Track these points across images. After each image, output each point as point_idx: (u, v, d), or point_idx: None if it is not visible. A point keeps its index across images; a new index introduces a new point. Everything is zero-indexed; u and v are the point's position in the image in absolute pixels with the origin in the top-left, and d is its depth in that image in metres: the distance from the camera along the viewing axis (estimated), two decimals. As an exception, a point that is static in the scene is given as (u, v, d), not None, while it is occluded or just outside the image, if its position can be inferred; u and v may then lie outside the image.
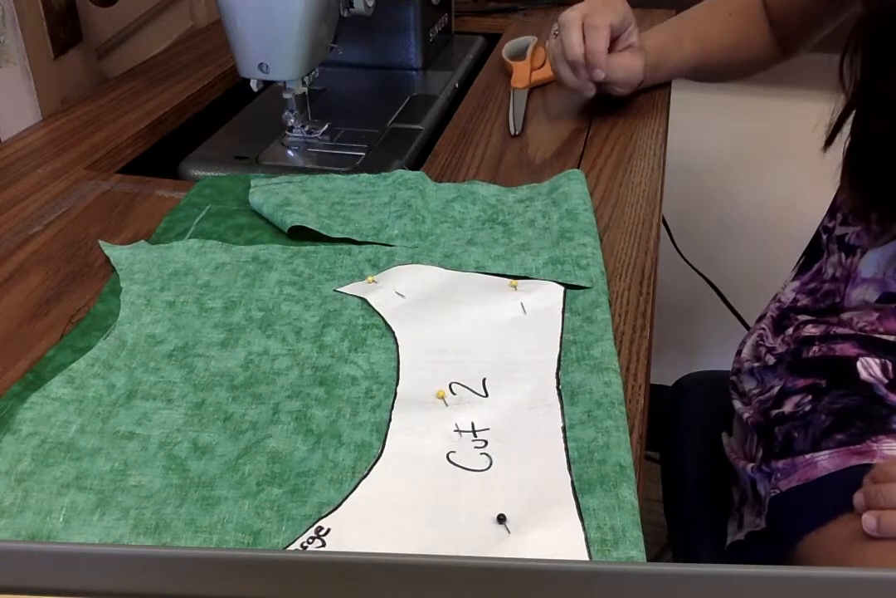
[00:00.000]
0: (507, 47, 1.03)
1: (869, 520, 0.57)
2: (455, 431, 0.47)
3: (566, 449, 0.46)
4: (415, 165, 0.80)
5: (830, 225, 0.78)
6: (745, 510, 0.74)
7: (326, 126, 0.86)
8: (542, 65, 0.98)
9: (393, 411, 0.49)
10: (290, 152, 0.84)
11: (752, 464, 0.73)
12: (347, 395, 0.50)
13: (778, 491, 0.68)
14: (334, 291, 0.59)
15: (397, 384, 0.51)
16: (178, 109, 0.92)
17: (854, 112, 0.65)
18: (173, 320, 0.56)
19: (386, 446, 0.47)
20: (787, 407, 0.72)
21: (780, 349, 0.77)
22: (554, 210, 0.66)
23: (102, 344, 0.54)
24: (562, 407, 0.49)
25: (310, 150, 0.84)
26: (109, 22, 0.97)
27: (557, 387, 0.50)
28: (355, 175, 0.73)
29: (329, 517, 0.43)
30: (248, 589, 0.22)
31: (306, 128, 0.85)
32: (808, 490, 0.66)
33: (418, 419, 0.48)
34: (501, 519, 0.42)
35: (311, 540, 0.42)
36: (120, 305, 0.57)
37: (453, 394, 0.50)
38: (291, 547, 0.41)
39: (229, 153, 0.83)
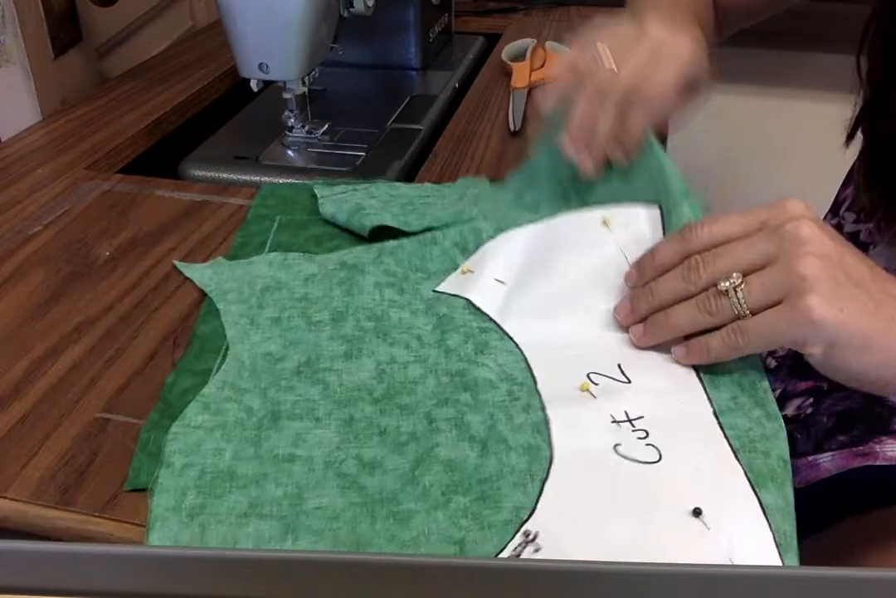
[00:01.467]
0: (506, 50, 1.03)
1: (636, 330, 0.52)
2: (613, 422, 0.46)
3: (726, 437, 0.44)
4: (415, 165, 0.80)
5: (833, 223, 0.78)
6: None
7: (326, 126, 0.86)
8: (542, 65, 0.98)
9: (547, 411, 0.47)
10: (290, 152, 0.84)
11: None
12: (492, 399, 0.48)
13: (779, 492, 0.68)
14: (434, 292, 0.57)
15: (536, 383, 0.49)
16: (178, 108, 0.92)
17: (869, 110, 0.65)
18: (284, 336, 0.54)
19: (554, 448, 0.45)
20: (789, 410, 0.72)
21: (781, 352, 0.78)
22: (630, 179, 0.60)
23: (224, 366, 0.52)
24: (705, 391, 0.47)
25: (310, 150, 0.84)
26: (109, 22, 0.97)
27: (696, 373, 0.48)
28: (418, 184, 0.72)
29: (531, 520, 0.41)
30: (248, 589, 0.22)
31: (306, 128, 0.85)
32: (810, 492, 0.66)
33: (574, 415, 0.47)
34: (697, 513, 0.40)
35: (522, 545, 0.40)
36: (223, 325, 0.55)
37: (595, 384, 0.48)
38: (504, 554, 0.40)
39: (229, 153, 0.83)
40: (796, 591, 0.21)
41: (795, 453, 0.69)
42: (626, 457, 0.44)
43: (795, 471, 0.68)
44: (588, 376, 0.49)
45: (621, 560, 0.37)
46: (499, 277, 0.55)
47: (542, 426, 0.46)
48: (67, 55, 0.90)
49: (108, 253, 0.65)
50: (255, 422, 0.48)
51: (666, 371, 0.48)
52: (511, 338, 0.53)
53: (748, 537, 0.40)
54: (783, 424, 0.44)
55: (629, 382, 0.48)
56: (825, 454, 0.66)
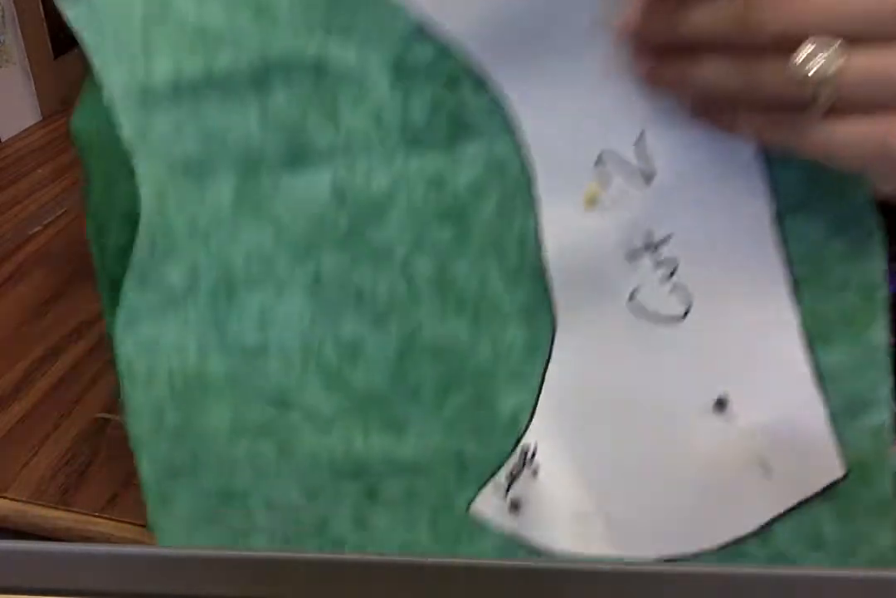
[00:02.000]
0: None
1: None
2: (628, 254, 0.34)
3: (787, 259, 0.32)
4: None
5: None
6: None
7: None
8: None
9: (544, 251, 0.36)
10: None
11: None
12: (479, 221, 0.37)
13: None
14: None
15: (531, 184, 0.35)
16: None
17: None
18: (199, 121, 0.37)
19: (557, 307, 0.36)
20: None
21: None
22: None
23: (141, 192, 0.37)
24: (766, 176, 0.32)
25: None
26: (109, 22, 0.97)
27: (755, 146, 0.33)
28: None
29: (530, 430, 0.36)
30: (248, 589, 0.22)
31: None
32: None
33: (578, 259, 0.35)
34: (722, 404, 0.34)
35: (519, 467, 0.36)
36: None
37: (607, 182, 0.34)
38: (500, 478, 0.36)
39: (229, 153, 0.83)
40: (795, 591, 0.21)
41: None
42: (644, 311, 0.34)
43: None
44: (600, 158, 0.34)
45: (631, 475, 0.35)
46: None
47: (540, 274, 0.36)
48: (67, 55, 0.90)
49: (108, 253, 0.65)
50: (209, 294, 0.38)
51: (710, 145, 0.33)
52: (505, 99, 0.35)
53: (792, 422, 0.33)
54: (880, 231, 0.31)
55: (651, 175, 0.33)
56: None
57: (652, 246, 0.34)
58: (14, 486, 0.45)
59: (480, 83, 0.35)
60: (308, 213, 0.38)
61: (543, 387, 0.36)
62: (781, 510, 0.35)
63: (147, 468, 0.39)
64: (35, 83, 0.85)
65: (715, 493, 0.35)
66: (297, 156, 0.37)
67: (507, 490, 0.37)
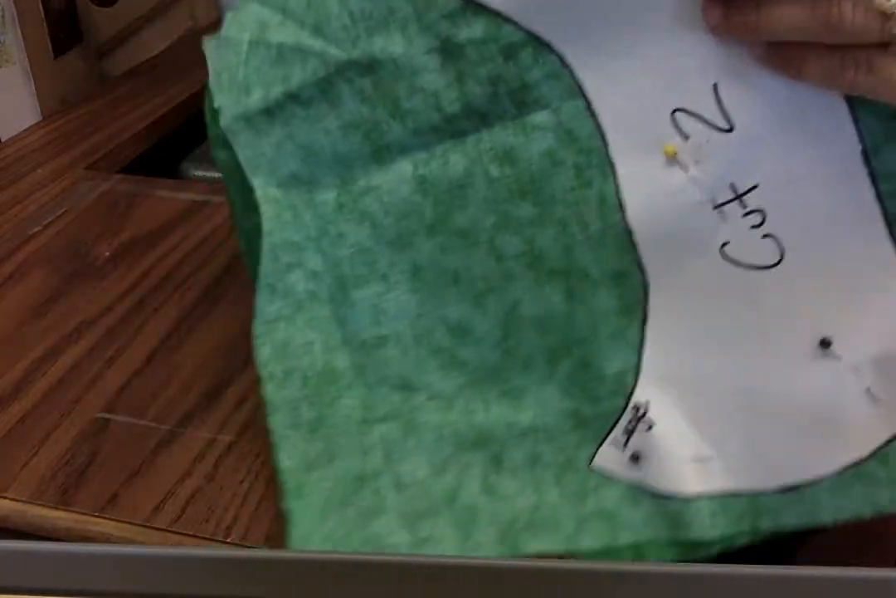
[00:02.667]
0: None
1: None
2: (715, 208, 0.34)
3: (878, 196, 0.32)
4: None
5: None
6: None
7: (326, 126, 0.85)
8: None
9: (626, 213, 0.36)
10: (290, 152, 0.83)
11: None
12: (558, 190, 0.37)
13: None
14: None
15: (608, 147, 0.35)
16: (178, 108, 0.92)
17: None
18: (293, 137, 0.40)
19: (646, 267, 0.36)
20: None
21: None
22: None
23: (263, 213, 0.41)
24: (852, 112, 0.32)
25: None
26: (109, 22, 0.97)
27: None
28: None
29: (638, 388, 0.38)
30: (248, 589, 0.22)
31: (306, 128, 0.84)
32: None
33: (663, 217, 0.35)
34: (826, 344, 0.34)
35: (633, 422, 0.38)
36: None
37: (685, 138, 0.33)
38: (617, 432, 0.39)
39: (229, 153, 0.83)
40: (795, 591, 0.21)
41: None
42: (735, 262, 0.34)
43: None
44: (673, 115, 0.33)
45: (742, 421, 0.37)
46: None
47: (626, 240, 0.36)
48: (67, 55, 0.90)
49: (108, 253, 0.65)
50: (327, 295, 0.41)
51: (787, 92, 0.32)
52: (567, 64, 0.35)
53: (894, 358, 0.33)
54: None
55: (730, 128, 0.33)
56: None
57: (738, 197, 0.33)
58: (14, 486, 0.45)
59: (539, 52, 0.35)
60: (397, 206, 0.40)
61: (645, 345, 0.37)
62: (894, 432, 0.35)
63: (285, 462, 0.40)
64: (35, 83, 0.84)
65: (826, 423, 0.36)
66: (378, 153, 0.39)
67: (626, 445, 0.39)
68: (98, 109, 0.90)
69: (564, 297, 0.38)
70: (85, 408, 0.50)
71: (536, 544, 0.39)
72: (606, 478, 0.40)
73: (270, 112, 0.39)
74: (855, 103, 0.32)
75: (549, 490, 0.40)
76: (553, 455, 0.40)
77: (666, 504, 0.39)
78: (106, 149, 0.81)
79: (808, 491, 0.38)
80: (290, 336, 0.41)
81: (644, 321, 0.37)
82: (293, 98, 0.39)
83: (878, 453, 0.36)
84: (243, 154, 0.40)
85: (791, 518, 0.39)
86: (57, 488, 0.45)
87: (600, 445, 0.40)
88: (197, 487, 0.46)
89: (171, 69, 1.00)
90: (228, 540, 0.43)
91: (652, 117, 0.34)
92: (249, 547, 0.43)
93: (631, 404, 0.38)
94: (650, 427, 0.38)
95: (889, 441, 0.35)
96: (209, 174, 0.80)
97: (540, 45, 0.35)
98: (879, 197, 0.32)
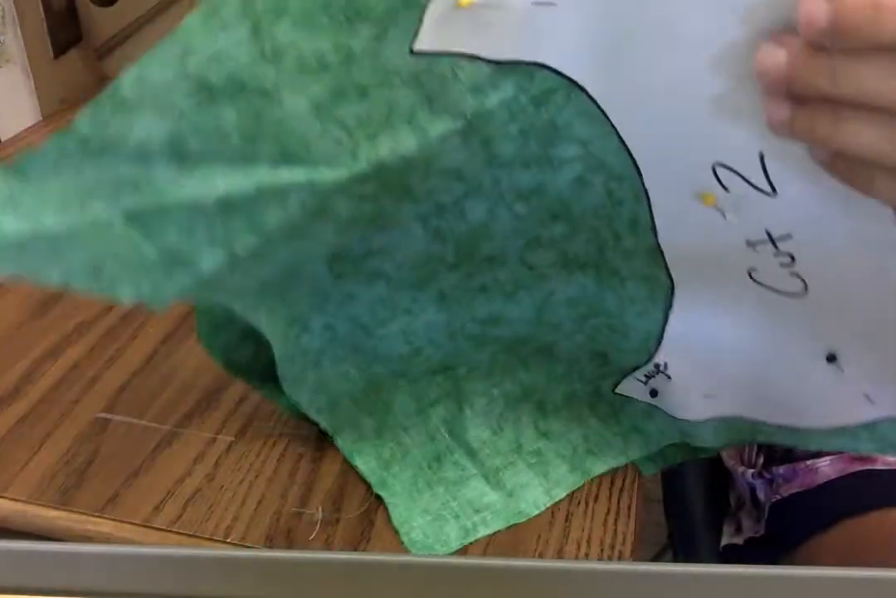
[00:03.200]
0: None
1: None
2: (748, 245, 0.34)
3: None
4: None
5: None
6: (743, 516, 0.74)
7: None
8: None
9: (658, 237, 0.36)
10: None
11: (752, 470, 0.73)
12: (589, 207, 0.36)
13: (779, 497, 0.68)
14: (413, 53, 0.30)
15: (642, 177, 0.34)
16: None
17: None
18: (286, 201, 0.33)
19: (673, 275, 0.38)
20: None
21: None
22: None
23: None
24: None
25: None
26: (109, 22, 0.97)
27: None
28: None
29: (659, 351, 0.42)
30: (248, 589, 0.22)
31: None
32: (809, 496, 0.66)
33: (694, 242, 0.36)
34: (831, 358, 0.37)
35: (653, 374, 0.43)
36: None
37: (725, 191, 0.32)
38: (638, 374, 0.44)
39: (229, 153, 0.83)
40: (795, 591, 0.21)
41: (794, 457, 0.69)
42: (761, 284, 0.36)
43: (794, 475, 0.68)
44: (714, 169, 0.32)
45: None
46: None
47: (656, 254, 0.37)
48: (67, 55, 0.90)
49: (108, 253, 0.65)
50: (348, 339, 0.43)
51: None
52: (589, 95, 0.32)
53: (892, 373, 0.35)
54: None
55: (774, 192, 0.32)
56: (824, 459, 0.66)
57: (771, 241, 0.34)
58: (14, 486, 0.45)
59: (571, 93, 0.33)
60: (413, 258, 0.39)
61: (668, 324, 0.40)
62: (885, 414, 0.39)
63: (363, 466, 0.46)
64: (35, 83, 0.84)
65: (822, 404, 0.40)
66: (377, 222, 0.37)
67: (646, 383, 0.44)
68: (98, 109, 0.89)
69: (595, 283, 0.41)
70: (85, 408, 0.50)
71: (602, 464, 0.47)
72: (627, 398, 0.46)
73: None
74: None
75: (588, 420, 0.47)
76: (584, 388, 0.46)
77: (676, 423, 0.45)
78: (106, 149, 0.81)
79: (802, 431, 0.43)
80: (323, 376, 0.44)
81: (668, 309, 0.40)
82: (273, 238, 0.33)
83: (866, 425, 0.40)
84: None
85: (784, 440, 0.44)
86: (57, 488, 0.45)
87: (624, 376, 0.45)
88: (197, 487, 0.46)
89: (171, 69, 1.00)
90: (228, 540, 0.43)
91: (691, 163, 0.33)
92: (249, 547, 0.43)
93: (652, 363, 0.43)
94: (669, 377, 0.43)
95: (879, 420, 0.40)
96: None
97: (573, 86, 0.32)
98: None
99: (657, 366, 0.43)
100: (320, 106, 0.31)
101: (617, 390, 0.46)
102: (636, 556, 0.45)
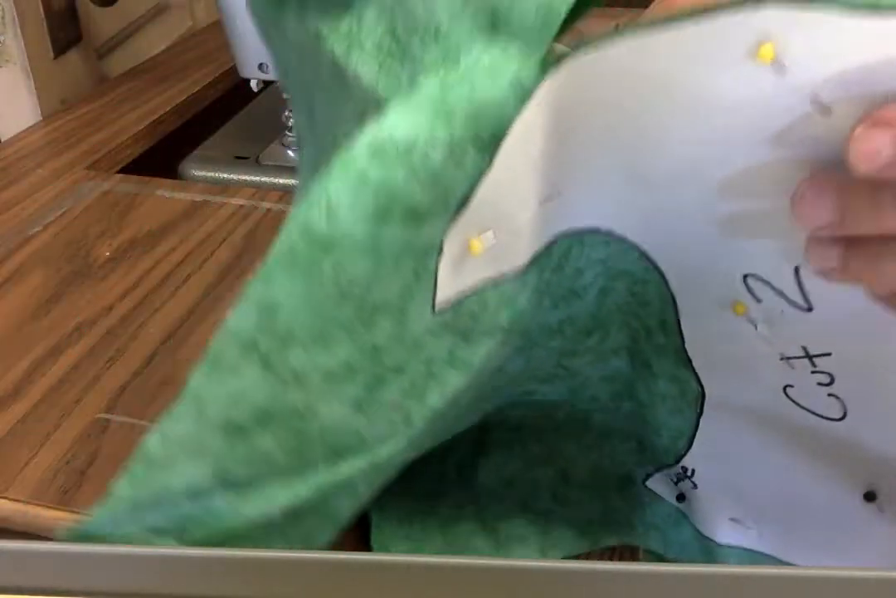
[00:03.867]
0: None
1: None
2: (783, 359, 0.32)
3: None
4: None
5: None
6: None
7: (326, 126, 0.85)
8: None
9: (684, 341, 0.35)
10: (289, 152, 0.84)
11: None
12: (617, 306, 0.35)
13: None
14: (435, 314, 0.29)
15: (668, 283, 0.33)
16: (178, 109, 0.92)
17: None
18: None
19: (703, 382, 0.36)
20: None
21: None
22: None
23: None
24: None
25: (310, 150, 0.84)
26: (109, 22, 0.97)
27: None
28: None
29: (688, 455, 0.39)
30: (248, 589, 0.22)
31: (306, 128, 0.84)
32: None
33: (725, 351, 0.34)
34: (871, 497, 0.34)
35: (681, 477, 0.40)
36: None
37: (757, 301, 0.31)
38: (669, 474, 0.41)
39: (229, 153, 0.83)
40: (795, 591, 0.21)
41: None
42: (797, 403, 0.33)
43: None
44: (745, 280, 0.31)
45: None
46: (544, 194, 0.29)
47: (683, 358, 0.35)
48: (67, 55, 0.90)
49: (108, 253, 0.65)
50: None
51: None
52: (607, 231, 0.32)
53: None
54: None
55: (809, 308, 0.30)
56: None
57: (809, 357, 0.32)
58: (14, 486, 0.45)
59: (583, 241, 0.32)
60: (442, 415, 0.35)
61: (698, 429, 0.37)
62: None
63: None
64: (35, 83, 0.84)
65: (858, 552, 0.37)
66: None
67: (676, 485, 0.41)
68: (98, 109, 0.89)
69: (630, 369, 0.38)
70: (85, 408, 0.50)
71: (616, 538, 0.42)
72: (658, 496, 0.42)
73: None
74: None
75: (613, 497, 0.43)
76: (614, 469, 0.43)
77: (701, 541, 0.41)
78: (106, 149, 0.81)
79: None
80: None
81: (699, 415, 0.37)
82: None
83: None
84: None
85: None
86: (57, 488, 0.45)
87: (656, 470, 0.42)
88: (197, 487, 0.46)
89: (171, 69, 1.00)
90: (228, 540, 0.43)
91: (719, 273, 0.31)
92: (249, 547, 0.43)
93: (680, 465, 0.40)
94: (695, 486, 0.40)
95: None
96: (209, 174, 0.80)
97: (586, 232, 0.32)
98: None
99: (684, 469, 0.40)
100: (360, 402, 0.30)
101: (647, 484, 0.42)
102: (636, 556, 0.45)
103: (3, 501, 0.45)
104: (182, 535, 0.29)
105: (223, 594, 0.22)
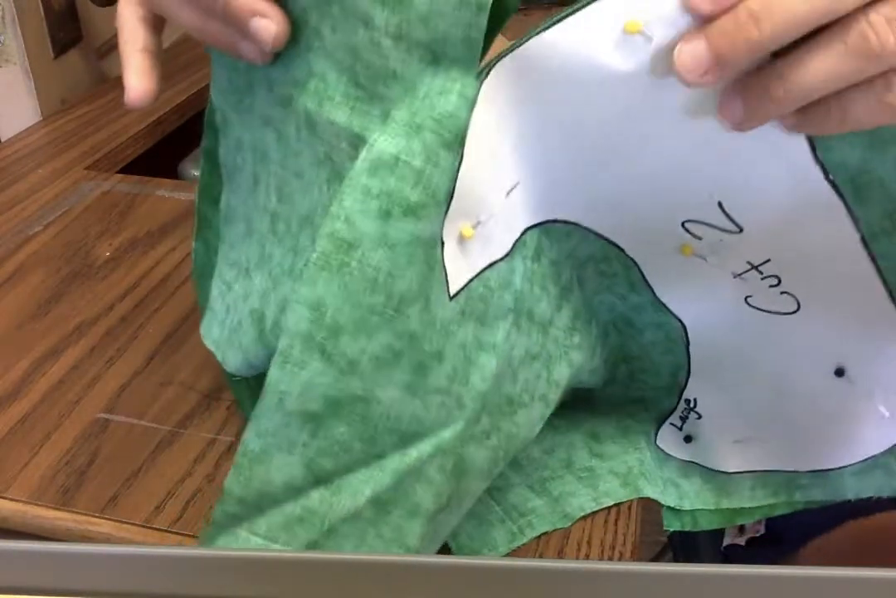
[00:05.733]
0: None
1: None
2: (736, 277, 0.39)
3: (878, 271, 0.36)
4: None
5: None
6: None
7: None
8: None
9: (656, 293, 0.42)
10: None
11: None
12: (587, 284, 0.43)
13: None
14: (452, 298, 0.35)
15: (624, 250, 0.40)
16: (178, 109, 0.92)
17: None
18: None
19: (682, 318, 0.43)
20: None
21: None
22: None
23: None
24: (847, 208, 0.35)
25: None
26: (109, 22, 0.96)
27: (827, 178, 0.34)
28: None
29: (688, 386, 0.45)
30: (248, 589, 0.22)
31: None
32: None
33: (688, 285, 0.40)
34: (840, 373, 0.40)
35: (686, 412, 0.46)
36: None
37: (698, 239, 0.37)
38: (674, 419, 0.47)
39: (229, 153, 0.83)
40: (795, 591, 0.21)
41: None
42: (759, 308, 0.40)
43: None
44: (683, 225, 0.37)
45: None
46: (507, 184, 0.36)
47: (659, 304, 0.42)
48: (67, 55, 0.90)
49: (108, 253, 0.65)
50: None
51: (788, 193, 0.35)
52: (572, 223, 0.39)
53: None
54: None
55: (740, 230, 0.36)
56: None
57: (754, 268, 0.38)
58: (14, 486, 0.45)
59: (548, 232, 0.39)
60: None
61: (691, 359, 0.44)
62: None
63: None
64: (35, 83, 0.84)
65: (844, 429, 0.43)
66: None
67: (681, 429, 0.47)
68: (98, 109, 0.89)
69: (616, 336, 0.45)
70: (85, 408, 0.50)
71: (652, 490, 0.47)
72: (667, 454, 0.48)
73: None
74: (849, 202, 0.35)
75: (645, 449, 0.48)
76: (639, 425, 0.49)
77: (713, 478, 0.47)
78: (106, 149, 0.81)
79: (834, 474, 0.44)
80: None
81: (688, 345, 0.44)
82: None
83: (893, 450, 0.42)
84: None
85: (819, 494, 0.46)
86: (57, 488, 0.45)
87: (661, 423, 0.48)
88: (197, 487, 0.46)
89: (171, 69, 1.00)
90: (228, 540, 0.43)
91: (661, 228, 0.38)
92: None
93: (683, 399, 0.46)
94: (700, 416, 0.46)
95: None
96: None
97: (550, 225, 0.39)
98: (879, 270, 0.37)
99: (688, 402, 0.45)
100: (411, 386, 0.34)
101: (658, 442, 0.48)
102: (636, 556, 0.45)
103: (2, 501, 0.45)
104: (290, 540, 0.34)
105: (223, 594, 0.22)
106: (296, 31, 0.34)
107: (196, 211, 0.46)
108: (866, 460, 0.43)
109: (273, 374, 0.33)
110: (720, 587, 0.21)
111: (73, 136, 0.84)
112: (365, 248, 0.32)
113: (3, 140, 0.83)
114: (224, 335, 0.44)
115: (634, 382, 0.47)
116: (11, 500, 0.45)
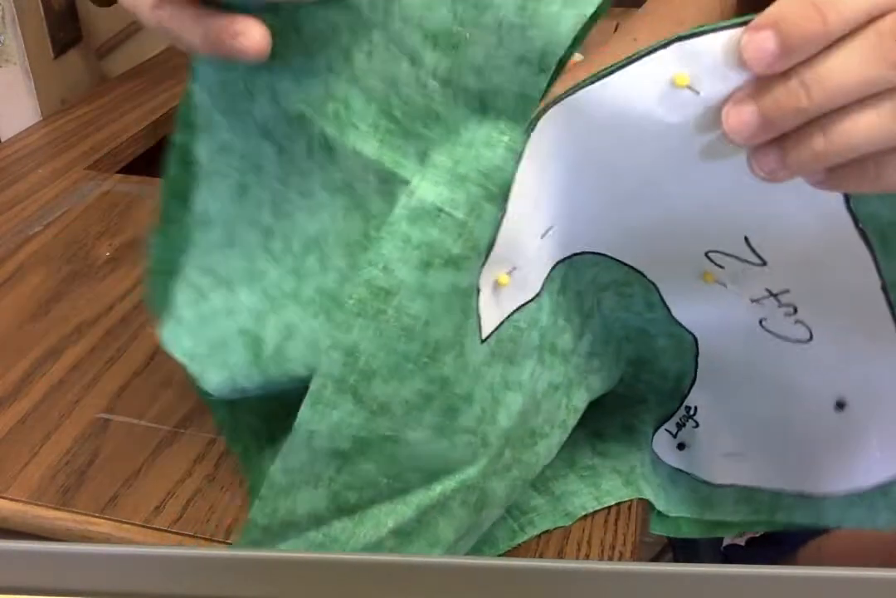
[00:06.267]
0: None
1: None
2: (753, 301, 0.39)
3: (893, 317, 0.37)
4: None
5: None
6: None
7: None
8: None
9: (671, 309, 0.43)
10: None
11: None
12: (606, 306, 0.44)
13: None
14: (484, 342, 0.36)
15: (645, 275, 0.41)
16: (179, 108, 0.92)
17: None
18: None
19: (695, 333, 0.44)
20: None
21: None
22: None
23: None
24: (873, 256, 0.35)
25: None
26: (109, 22, 0.96)
27: (857, 226, 0.34)
28: None
29: (691, 393, 0.46)
30: (248, 589, 0.22)
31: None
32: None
33: (706, 309, 0.42)
34: (841, 405, 0.40)
35: (685, 418, 0.47)
36: None
37: (720, 268, 0.38)
38: (670, 425, 0.48)
39: (229, 153, 0.83)
40: (795, 591, 0.21)
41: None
42: (771, 332, 0.40)
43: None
44: (707, 255, 0.38)
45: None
46: (543, 229, 0.36)
47: (673, 320, 0.43)
48: (67, 55, 0.90)
49: (108, 253, 0.65)
50: None
51: (816, 237, 0.35)
52: (594, 252, 0.40)
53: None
54: None
55: (763, 263, 0.37)
56: None
57: (772, 296, 0.39)
58: (14, 486, 0.45)
59: (572, 264, 0.40)
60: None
61: (698, 369, 0.44)
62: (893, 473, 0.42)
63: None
64: (35, 83, 0.84)
65: (835, 460, 0.43)
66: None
67: (675, 435, 0.48)
68: (98, 109, 0.89)
69: (628, 341, 0.46)
70: (85, 408, 0.50)
71: (649, 491, 0.47)
72: (659, 458, 0.48)
73: None
74: (876, 250, 0.35)
75: (645, 450, 0.48)
76: (641, 426, 0.48)
77: (699, 488, 0.47)
78: (106, 149, 0.81)
79: (818, 500, 0.45)
80: None
81: (697, 355, 0.44)
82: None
83: (881, 488, 0.43)
84: None
85: (801, 517, 0.46)
86: (57, 488, 0.45)
87: (658, 426, 0.48)
88: (197, 487, 0.46)
89: (171, 69, 1.00)
90: (228, 540, 0.43)
91: (685, 256, 0.39)
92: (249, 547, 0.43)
93: (684, 405, 0.46)
94: (697, 425, 0.46)
95: (892, 480, 0.42)
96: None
97: (574, 255, 0.40)
98: (894, 316, 0.37)
99: (688, 409, 0.46)
100: (439, 428, 0.35)
101: (653, 446, 0.49)
102: (636, 556, 0.45)
103: (2, 501, 0.45)
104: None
105: (223, 594, 0.22)
106: (313, 45, 0.33)
107: (161, 204, 0.42)
108: (851, 494, 0.43)
109: (304, 413, 0.33)
110: (720, 587, 0.21)
111: (73, 136, 0.84)
112: (403, 296, 0.32)
113: (3, 140, 0.83)
114: (201, 350, 0.42)
115: (639, 382, 0.48)
116: (11, 500, 0.45)
